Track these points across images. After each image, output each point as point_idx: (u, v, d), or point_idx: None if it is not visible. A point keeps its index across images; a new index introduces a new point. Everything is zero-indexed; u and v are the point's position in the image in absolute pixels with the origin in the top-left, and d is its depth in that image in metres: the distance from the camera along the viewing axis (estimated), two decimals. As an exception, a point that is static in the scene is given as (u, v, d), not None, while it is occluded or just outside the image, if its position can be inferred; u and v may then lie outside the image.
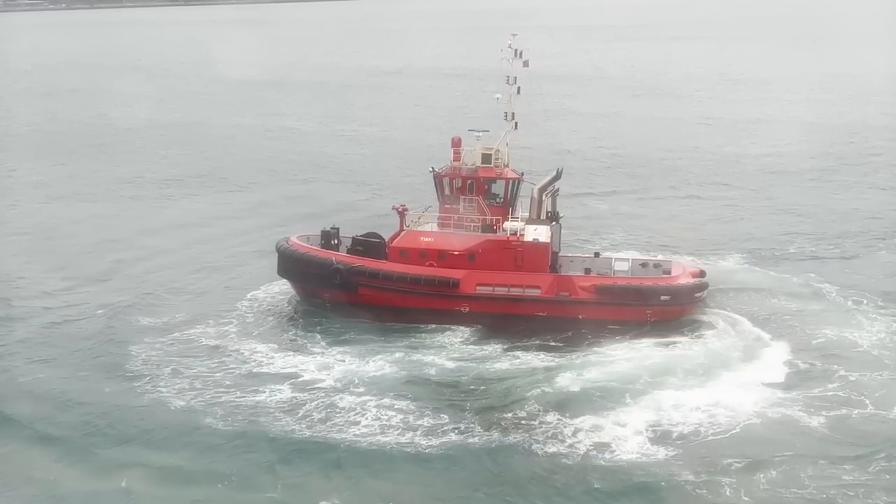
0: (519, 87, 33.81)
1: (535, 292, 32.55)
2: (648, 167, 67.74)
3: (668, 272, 33.87)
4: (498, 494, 20.43)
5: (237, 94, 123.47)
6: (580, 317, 32.09)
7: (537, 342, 30.54)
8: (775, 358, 28.48)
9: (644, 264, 35.27)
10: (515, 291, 32.55)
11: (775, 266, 39.86)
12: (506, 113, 34.17)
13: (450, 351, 30.02)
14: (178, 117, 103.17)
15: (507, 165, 34.86)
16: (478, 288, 32.57)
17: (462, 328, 31.82)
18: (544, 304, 32.58)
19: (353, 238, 36.03)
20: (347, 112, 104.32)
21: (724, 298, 34.90)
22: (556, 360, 28.89)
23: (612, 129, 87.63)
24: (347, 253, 35.06)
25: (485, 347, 30.31)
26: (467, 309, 32.60)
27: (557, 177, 35.73)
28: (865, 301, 33.86)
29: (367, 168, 69.84)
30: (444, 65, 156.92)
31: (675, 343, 30.40)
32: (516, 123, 34.32)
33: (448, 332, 31.65)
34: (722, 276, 37.63)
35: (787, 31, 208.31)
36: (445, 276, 32.40)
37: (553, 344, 30.40)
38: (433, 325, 32.17)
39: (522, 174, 35.39)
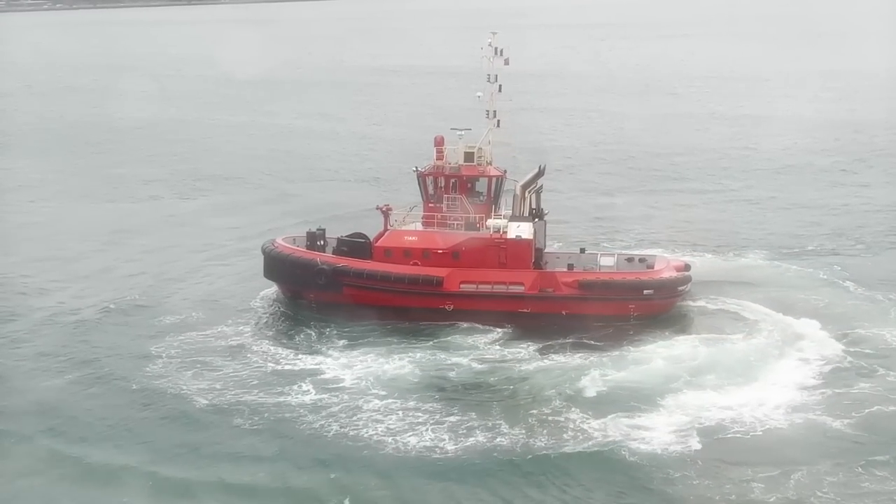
0: (500, 86, 33.96)
1: (519, 289, 32.69)
2: (651, 164, 67.99)
3: (652, 267, 33.90)
4: (523, 495, 20.23)
5: (237, 93, 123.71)
6: (563, 312, 32.29)
7: (571, 341, 30.36)
8: (808, 355, 27.95)
9: (630, 259, 35.33)
10: (499, 289, 32.71)
11: (798, 261, 39.55)
12: (487, 111, 34.33)
13: (474, 351, 29.86)
14: (178, 115, 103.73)
15: (490, 163, 34.99)
16: (462, 286, 32.72)
17: (495, 329, 31.61)
18: (528, 301, 32.75)
19: (339, 239, 36.24)
20: (341, 111, 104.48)
21: (749, 293, 34.39)
22: (582, 359, 28.54)
23: (611, 126, 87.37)
24: (333, 253, 35.29)
25: (511, 348, 30.09)
26: (451, 307, 32.79)
27: (541, 173, 35.86)
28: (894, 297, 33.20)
29: (362, 167, 70.10)
30: (439, 63, 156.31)
31: (705, 340, 30.07)
32: (498, 121, 34.44)
33: (474, 333, 31.48)
34: (743, 271, 37.83)
35: (791, 29, 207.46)
36: (429, 275, 32.56)
37: (585, 342, 30.27)
38: (464, 325, 32.11)
39: (505, 171, 35.51)
